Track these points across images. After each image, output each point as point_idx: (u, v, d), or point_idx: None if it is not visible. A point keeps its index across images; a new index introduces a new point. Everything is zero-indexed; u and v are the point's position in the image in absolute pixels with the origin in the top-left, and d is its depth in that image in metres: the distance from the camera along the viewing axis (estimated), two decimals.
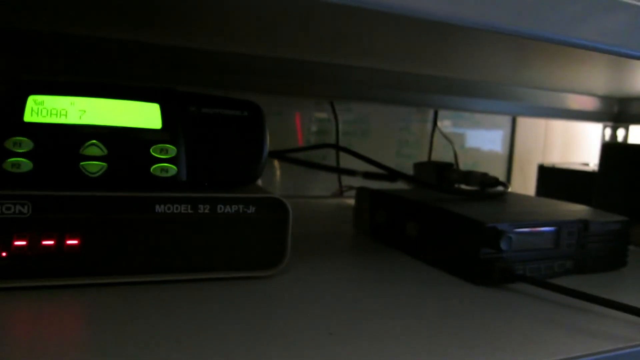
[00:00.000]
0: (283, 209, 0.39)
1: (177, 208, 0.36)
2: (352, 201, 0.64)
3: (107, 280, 0.35)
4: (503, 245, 0.40)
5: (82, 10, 0.43)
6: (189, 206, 0.36)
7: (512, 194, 0.60)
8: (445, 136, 0.96)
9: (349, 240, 0.56)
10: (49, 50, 0.51)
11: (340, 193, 0.88)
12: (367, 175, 0.83)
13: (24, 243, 0.33)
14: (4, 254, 0.33)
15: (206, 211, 0.37)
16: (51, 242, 0.34)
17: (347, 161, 0.83)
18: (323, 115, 0.89)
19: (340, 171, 0.87)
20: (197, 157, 0.37)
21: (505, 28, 0.33)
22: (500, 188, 0.59)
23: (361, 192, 0.59)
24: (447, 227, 0.44)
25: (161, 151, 0.36)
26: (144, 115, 0.36)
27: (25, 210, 0.33)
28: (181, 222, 0.36)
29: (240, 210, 0.38)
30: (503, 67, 0.78)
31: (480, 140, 1.03)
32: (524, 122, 1.08)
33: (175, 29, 0.51)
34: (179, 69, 0.64)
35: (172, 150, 0.36)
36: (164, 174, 0.36)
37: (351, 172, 0.83)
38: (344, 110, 0.89)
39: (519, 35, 0.33)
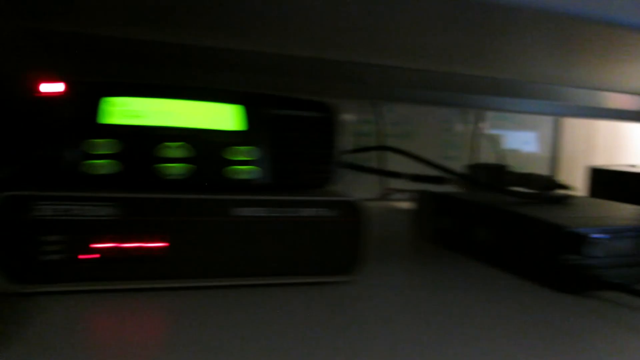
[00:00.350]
0: (358, 212, 0.38)
1: (255, 211, 0.36)
2: (398, 204, 0.63)
3: (189, 284, 0.35)
4: (587, 250, 0.38)
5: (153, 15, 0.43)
6: (269, 209, 0.36)
7: (577, 197, 0.58)
8: (488, 138, 0.94)
9: (410, 245, 0.55)
10: (118, 54, 0.52)
11: (384, 196, 0.87)
12: (414, 177, 0.82)
13: (103, 247, 0.33)
14: (84, 258, 0.33)
15: (284, 214, 0.36)
16: (131, 245, 0.34)
17: (390, 164, 0.82)
18: (365, 116, 0.88)
19: (384, 174, 0.86)
20: (275, 159, 0.36)
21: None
22: (560, 191, 0.57)
23: (423, 195, 0.58)
24: (525, 232, 0.43)
25: (241, 153, 0.35)
26: (224, 116, 0.35)
27: (108, 213, 0.33)
28: (260, 225, 0.36)
29: (317, 213, 0.37)
30: (547, 66, 0.77)
31: (523, 141, 1.01)
32: (567, 123, 1.05)
33: (238, 32, 0.51)
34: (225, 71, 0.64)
35: (253, 152, 0.36)
36: (243, 177, 0.36)
37: (397, 175, 0.82)
38: (385, 111, 0.88)
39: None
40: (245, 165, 0.35)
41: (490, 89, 0.90)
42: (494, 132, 0.97)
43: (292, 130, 0.37)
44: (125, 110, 0.34)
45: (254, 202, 0.35)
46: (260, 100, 0.36)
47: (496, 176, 0.65)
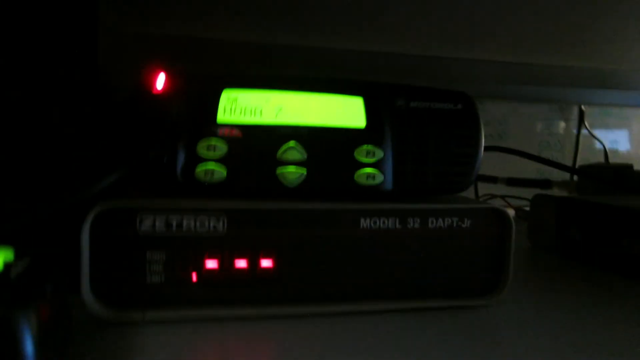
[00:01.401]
0: (504, 221, 0.31)
1: (384, 222, 0.30)
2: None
3: (304, 310, 0.30)
4: None
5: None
6: (397, 220, 0.30)
7: None
8: (594, 136, 0.85)
9: (532, 257, 0.48)
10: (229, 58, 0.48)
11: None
12: (512, 181, 0.74)
13: (215, 265, 0.29)
14: (193, 278, 0.28)
15: (416, 226, 0.30)
16: (244, 264, 0.29)
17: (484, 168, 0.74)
18: None
19: (478, 178, 0.78)
20: (404, 161, 0.31)
21: None
22: None
23: (541, 200, 0.50)
24: None
25: (367, 154, 0.30)
26: (347, 111, 0.30)
27: (220, 227, 0.28)
28: (388, 239, 0.30)
29: (455, 225, 0.31)
30: None
31: (631, 139, 0.90)
32: None
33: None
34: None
35: (378, 152, 0.30)
36: (369, 182, 0.30)
37: (492, 180, 0.74)
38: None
39: None
40: (368, 168, 0.30)
41: (592, 81, 0.81)
42: (598, 130, 0.87)
43: (425, 125, 0.31)
44: (239, 106, 0.29)
45: (380, 212, 0.30)
46: (385, 91, 0.31)
47: (622, 177, 0.56)
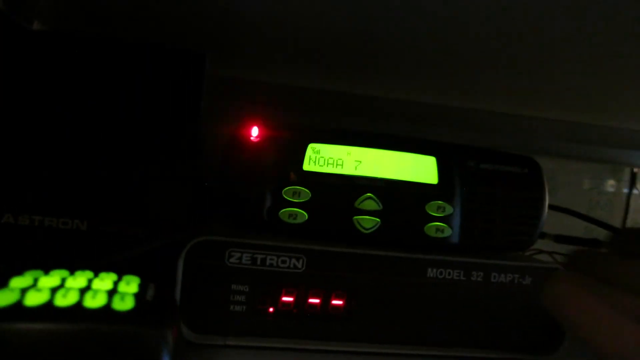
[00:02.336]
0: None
1: (449, 273, 0.32)
2: None
3: (371, 349, 0.32)
4: None
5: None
6: (462, 272, 0.32)
7: None
8: None
9: None
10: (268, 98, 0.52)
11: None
12: (559, 238, 0.74)
13: (291, 299, 0.31)
14: (270, 310, 0.31)
15: (479, 279, 0.32)
16: (318, 301, 0.31)
17: None
18: None
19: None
20: (472, 217, 0.33)
21: None
22: None
23: None
24: None
25: (438, 209, 0.32)
26: (420, 168, 0.33)
27: (299, 265, 0.31)
28: (452, 289, 0.32)
29: (515, 281, 0.33)
30: None
31: None
32: None
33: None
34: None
35: (448, 208, 0.32)
36: (438, 235, 0.32)
37: (541, 235, 0.75)
38: None
39: None
40: (438, 222, 0.32)
41: None
42: None
43: (493, 186, 0.33)
44: (322, 157, 0.32)
45: (446, 264, 0.32)
46: (457, 152, 0.33)
47: None
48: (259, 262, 0.31)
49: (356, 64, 0.44)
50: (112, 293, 0.19)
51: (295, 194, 0.32)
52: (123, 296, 0.19)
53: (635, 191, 0.85)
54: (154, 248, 0.29)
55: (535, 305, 0.33)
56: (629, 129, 0.79)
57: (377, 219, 0.32)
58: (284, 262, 0.31)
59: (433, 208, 0.32)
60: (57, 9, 0.38)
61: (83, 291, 0.19)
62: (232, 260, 0.31)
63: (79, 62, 0.34)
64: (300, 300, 0.31)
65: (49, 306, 0.18)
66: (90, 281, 0.20)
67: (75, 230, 0.34)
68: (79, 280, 0.20)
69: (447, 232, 0.32)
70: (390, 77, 0.51)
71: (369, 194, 0.32)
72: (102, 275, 0.21)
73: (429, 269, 0.32)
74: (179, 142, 0.33)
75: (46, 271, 0.21)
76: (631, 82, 0.54)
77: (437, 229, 0.32)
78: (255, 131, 0.32)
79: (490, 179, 0.33)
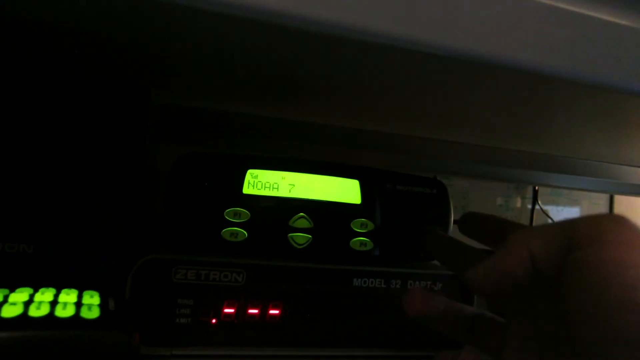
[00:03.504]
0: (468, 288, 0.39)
1: (372, 282, 0.37)
2: None
3: (306, 353, 0.36)
4: None
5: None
6: (383, 280, 0.37)
7: None
8: (546, 213, 0.95)
9: None
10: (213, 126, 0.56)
11: None
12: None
13: (232, 311, 0.35)
14: (213, 321, 0.34)
15: (397, 286, 0.37)
16: (256, 311, 0.35)
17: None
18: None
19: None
20: (390, 232, 0.38)
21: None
22: None
23: None
24: None
25: (361, 225, 0.37)
26: (346, 190, 0.38)
27: (240, 279, 0.34)
28: (374, 296, 0.37)
29: (428, 287, 0.38)
30: (599, 143, 0.78)
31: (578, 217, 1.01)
32: (621, 201, 1.05)
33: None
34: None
35: (370, 225, 0.37)
36: (362, 248, 0.37)
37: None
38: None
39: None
40: (362, 237, 0.37)
41: (546, 166, 0.92)
42: (550, 207, 0.98)
43: (407, 205, 0.38)
44: (260, 182, 0.36)
45: (369, 274, 0.37)
46: (377, 176, 0.39)
47: None
48: (203, 277, 0.34)
49: (283, 94, 0.49)
50: (78, 305, 0.22)
51: (236, 215, 0.35)
52: (90, 307, 0.22)
53: (537, 207, 0.96)
54: (106, 267, 0.31)
55: None
56: (530, 152, 0.90)
57: (309, 236, 0.36)
58: (225, 276, 0.34)
59: (357, 225, 0.37)
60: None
61: (52, 304, 0.22)
62: (178, 276, 0.33)
63: (23, 93, 0.36)
64: (241, 311, 0.34)
65: (24, 317, 0.20)
66: (55, 296, 0.23)
67: (22, 253, 0.36)
68: (46, 295, 0.22)
69: (370, 245, 0.37)
70: (313, 105, 0.56)
71: (301, 214, 0.36)
72: (66, 290, 0.24)
73: (355, 279, 0.36)
74: (124, 170, 0.36)
75: (12, 289, 0.23)
76: (527, 111, 0.62)
77: (361, 243, 0.37)
78: (198, 158, 0.36)
79: (405, 198, 0.38)
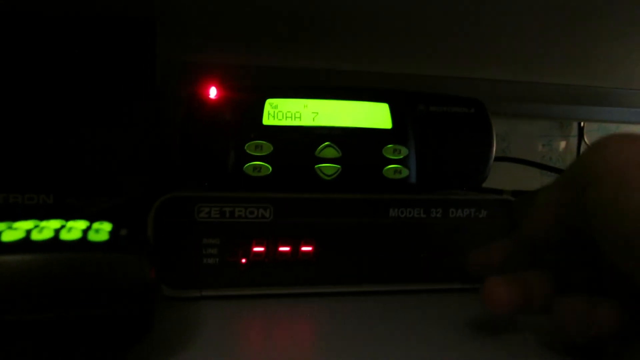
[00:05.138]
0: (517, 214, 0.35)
1: (410, 212, 0.34)
2: None
3: (340, 289, 0.33)
4: None
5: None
6: (422, 210, 0.34)
7: None
8: None
9: None
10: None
11: None
12: (515, 194, 0.78)
13: (262, 249, 0.32)
14: (243, 261, 0.32)
15: (438, 215, 0.34)
16: (287, 249, 0.33)
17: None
18: None
19: (485, 190, 0.82)
20: (426, 158, 0.35)
21: None
22: None
23: None
24: None
25: (394, 152, 0.34)
26: (375, 115, 0.34)
27: (267, 215, 0.32)
28: (413, 226, 0.34)
29: (472, 214, 0.35)
30: None
31: None
32: None
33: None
34: None
35: (404, 150, 0.34)
36: (396, 176, 0.34)
37: (498, 192, 0.78)
38: None
39: None
40: (395, 164, 0.34)
41: (591, 99, 0.85)
42: None
43: (443, 127, 0.35)
44: (281, 112, 0.33)
45: (406, 203, 0.34)
46: (407, 98, 0.35)
47: None
48: (227, 215, 0.32)
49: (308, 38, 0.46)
50: (86, 230, 0.20)
51: (257, 148, 0.33)
52: (98, 231, 0.20)
53: (583, 145, 0.90)
54: (123, 205, 0.30)
55: (492, 236, 0.35)
56: (572, 84, 0.84)
57: (338, 166, 0.33)
58: (251, 212, 0.32)
59: (389, 151, 0.34)
60: None
61: (58, 230, 0.20)
62: (201, 215, 0.32)
63: (27, 39, 0.34)
64: (271, 249, 0.32)
65: (26, 240, 0.18)
66: (63, 225, 0.21)
67: (42, 204, 0.35)
68: (52, 223, 0.21)
69: (405, 173, 0.34)
70: (340, 51, 0.53)
71: (327, 142, 0.33)
72: (75, 220, 0.22)
73: (391, 209, 0.34)
74: (136, 108, 0.34)
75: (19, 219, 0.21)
76: (571, 37, 0.57)
77: (395, 170, 0.34)
78: (213, 91, 0.33)
79: (440, 120, 0.35)
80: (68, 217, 0.23)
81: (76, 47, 0.35)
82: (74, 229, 0.20)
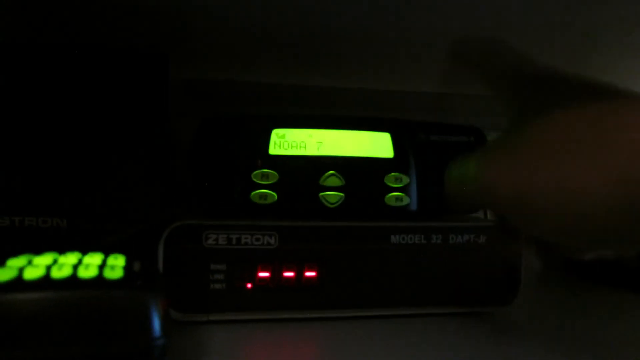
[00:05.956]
0: (514, 237, 0.36)
1: (411, 238, 0.35)
2: None
3: (343, 314, 0.34)
4: None
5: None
6: (423, 236, 0.35)
7: None
8: None
9: (541, 275, 0.52)
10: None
11: None
12: None
13: (267, 275, 0.34)
14: (248, 286, 0.33)
15: (438, 241, 0.35)
16: (292, 274, 0.34)
17: None
18: None
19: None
20: (427, 185, 0.36)
21: None
22: None
23: None
24: None
25: (395, 180, 0.35)
26: (377, 144, 0.36)
27: (272, 241, 0.33)
28: (415, 252, 0.35)
29: (472, 240, 0.36)
30: None
31: None
32: None
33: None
34: None
35: (405, 179, 0.35)
36: (398, 203, 0.35)
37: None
38: None
39: None
40: (397, 192, 0.35)
41: None
42: None
43: (443, 156, 0.36)
44: (287, 141, 0.35)
45: (408, 230, 0.35)
46: (409, 127, 0.36)
47: None
48: (234, 241, 0.33)
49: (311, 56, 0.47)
50: (102, 267, 0.21)
51: (264, 176, 0.34)
52: (113, 267, 0.21)
53: None
54: (135, 234, 0.31)
55: (492, 262, 0.36)
56: None
57: (341, 194, 0.35)
58: (257, 239, 0.33)
59: (391, 180, 0.35)
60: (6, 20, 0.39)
61: (75, 266, 0.21)
62: (209, 241, 0.33)
63: (46, 70, 0.36)
64: (276, 275, 0.33)
65: (46, 278, 0.20)
66: (80, 259, 0.22)
67: (55, 227, 0.36)
68: (70, 258, 0.22)
69: (406, 200, 0.35)
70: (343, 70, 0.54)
71: (332, 171, 0.35)
72: (91, 254, 0.23)
73: (392, 236, 0.35)
74: (149, 138, 0.35)
75: (38, 253, 0.22)
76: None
77: (397, 198, 0.35)
78: (222, 122, 0.35)
79: (441, 149, 0.36)
80: (82, 245, 0.25)
81: (95, 77, 0.36)
82: (91, 265, 0.21)
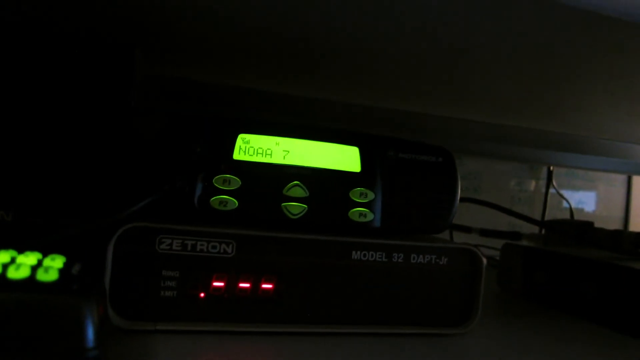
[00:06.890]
0: (476, 260, 0.36)
1: (372, 255, 0.34)
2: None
3: (299, 329, 0.33)
4: None
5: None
6: (384, 254, 0.34)
7: None
8: (561, 195, 0.91)
9: (500, 300, 0.52)
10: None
11: None
12: (484, 232, 0.79)
13: (221, 284, 0.32)
14: (201, 295, 0.32)
15: (399, 260, 0.35)
16: (248, 285, 0.33)
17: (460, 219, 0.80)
18: None
19: (454, 228, 0.83)
20: (392, 203, 0.35)
21: None
22: None
23: (510, 249, 0.55)
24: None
25: (360, 195, 0.34)
26: (344, 158, 0.35)
27: (229, 250, 0.32)
28: (375, 270, 0.34)
29: (433, 261, 0.35)
30: (616, 123, 0.75)
31: (594, 199, 0.97)
32: (639, 182, 1.01)
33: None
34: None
35: (370, 194, 0.35)
36: (361, 219, 0.34)
37: (467, 229, 0.79)
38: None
39: None
40: (361, 207, 0.34)
41: (562, 145, 0.88)
42: (565, 189, 0.94)
43: (411, 174, 0.36)
44: (252, 147, 0.34)
45: (369, 246, 0.34)
46: (378, 143, 0.36)
47: (584, 233, 0.62)
48: (189, 247, 0.32)
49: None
50: (36, 267, 0.20)
51: (225, 182, 0.33)
52: (47, 269, 0.20)
53: (552, 190, 0.92)
54: (81, 234, 0.29)
55: (452, 283, 0.36)
56: (543, 130, 0.86)
57: (304, 205, 0.34)
58: (214, 247, 0.32)
59: (356, 194, 0.34)
60: None
61: (6, 266, 0.19)
62: (162, 246, 0.31)
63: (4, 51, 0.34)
64: (231, 285, 0.32)
65: None
66: (13, 258, 0.21)
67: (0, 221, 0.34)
68: (1, 256, 0.20)
69: (370, 216, 0.35)
70: (325, 81, 0.53)
71: (296, 182, 0.34)
72: (27, 253, 0.21)
73: (353, 252, 0.34)
74: (108, 132, 0.34)
75: None
76: (547, 86, 0.59)
77: (360, 213, 0.34)
78: (185, 122, 0.33)
79: (408, 167, 0.36)
80: (19, 243, 0.23)
81: (51, 65, 0.35)
82: (23, 265, 0.19)
